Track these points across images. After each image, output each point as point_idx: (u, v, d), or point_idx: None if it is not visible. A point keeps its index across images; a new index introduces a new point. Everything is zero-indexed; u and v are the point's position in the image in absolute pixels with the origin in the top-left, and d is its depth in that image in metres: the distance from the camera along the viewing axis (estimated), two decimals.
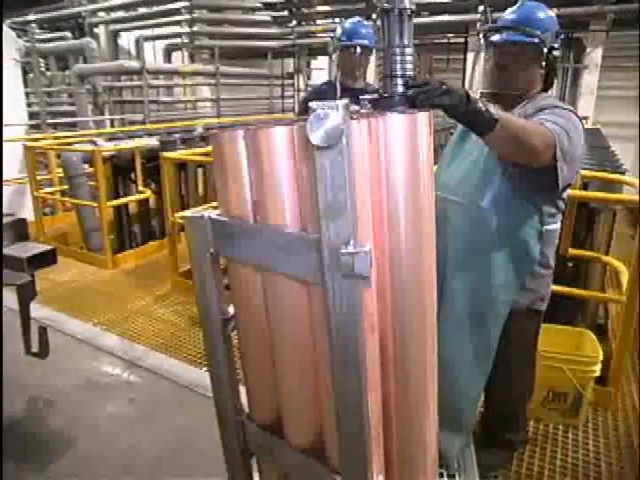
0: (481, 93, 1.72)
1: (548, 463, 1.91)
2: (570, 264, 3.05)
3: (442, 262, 1.47)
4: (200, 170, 4.77)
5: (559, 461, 1.92)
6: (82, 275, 3.98)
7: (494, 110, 1.31)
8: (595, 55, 7.58)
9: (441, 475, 1.57)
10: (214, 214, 1.12)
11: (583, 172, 2.83)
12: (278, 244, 0.96)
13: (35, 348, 2.14)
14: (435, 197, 1.03)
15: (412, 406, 1.16)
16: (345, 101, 0.77)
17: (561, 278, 2.95)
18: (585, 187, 2.98)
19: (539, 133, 1.35)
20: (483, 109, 1.28)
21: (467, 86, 7.31)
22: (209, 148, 2.91)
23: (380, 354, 1.08)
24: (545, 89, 1.64)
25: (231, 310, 1.24)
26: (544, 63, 1.56)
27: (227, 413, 1.31)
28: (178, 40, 9.50)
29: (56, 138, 5.23)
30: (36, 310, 3.14)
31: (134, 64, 7.15)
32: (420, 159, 0.94)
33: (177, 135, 4.90)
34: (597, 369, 2.03)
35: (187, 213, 1.16)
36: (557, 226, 1.62)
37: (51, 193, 5.08)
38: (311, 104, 0.76)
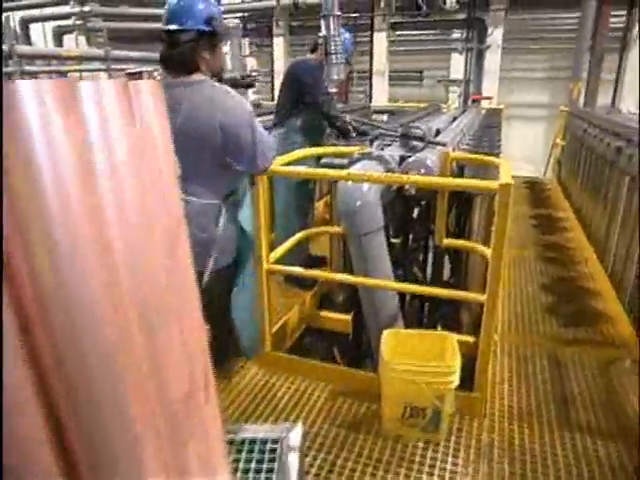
0: None
1: None
2: (447, 256, 2.82)
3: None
4: None
5: None
6: None
7: None
8: (496, 34, 7.60)
9: None
10: None
11: (454, 154, 2.61)
12: None
13: None
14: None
15: (86, 407, 0.83)
16: None
17: (439, 271, 2.71)
18: (461, 170, 2.76)
19: None
20: None
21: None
22: None
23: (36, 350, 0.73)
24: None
25: None
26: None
27: None
28: (69, 22, 8.72)
29: None
30: None
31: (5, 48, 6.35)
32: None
33: None
34: (454, 379, 1.79)
35: None
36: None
37: None
38: None
